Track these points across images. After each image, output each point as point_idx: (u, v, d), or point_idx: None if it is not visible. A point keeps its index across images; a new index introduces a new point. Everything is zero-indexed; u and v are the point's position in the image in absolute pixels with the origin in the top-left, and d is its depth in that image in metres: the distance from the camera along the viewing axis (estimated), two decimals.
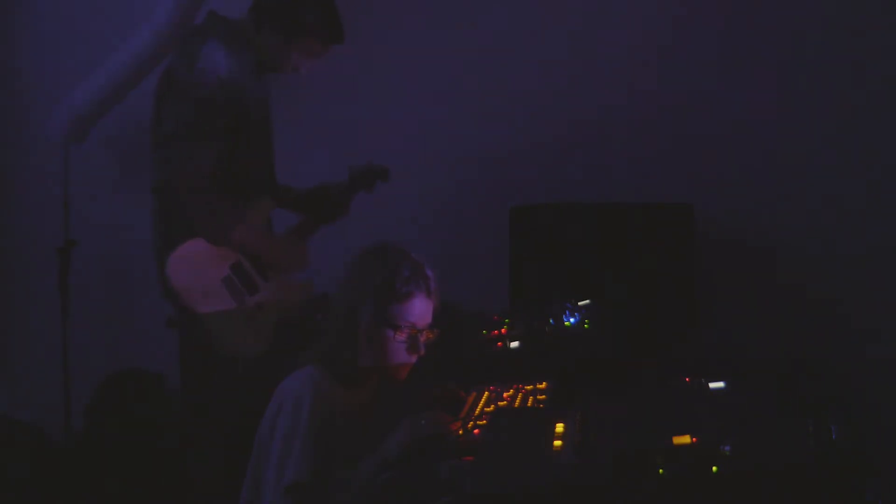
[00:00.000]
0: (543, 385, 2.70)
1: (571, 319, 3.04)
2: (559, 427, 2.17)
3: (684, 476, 1.89)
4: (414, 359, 2.61)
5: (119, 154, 4.55)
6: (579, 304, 3.09)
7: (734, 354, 3.30)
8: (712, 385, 2.36)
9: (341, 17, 3.37)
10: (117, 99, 4.19)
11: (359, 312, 2.57)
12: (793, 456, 1.93)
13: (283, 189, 3.56)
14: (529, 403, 2.59)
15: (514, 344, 3.01)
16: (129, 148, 4.42)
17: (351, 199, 3.60)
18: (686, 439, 1.97)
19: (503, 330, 3.09)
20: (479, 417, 2.47)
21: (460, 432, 2.41)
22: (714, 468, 1.89)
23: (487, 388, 2.71)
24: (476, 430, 2.39)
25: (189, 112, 3.15)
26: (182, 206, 3.17)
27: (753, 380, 2.46)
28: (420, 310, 2.59)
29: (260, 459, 2.53)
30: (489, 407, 2.58)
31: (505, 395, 2.65)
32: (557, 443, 2.10)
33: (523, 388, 2.68)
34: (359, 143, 4.36)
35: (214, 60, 3.20)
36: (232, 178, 3.24)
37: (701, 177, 4.11)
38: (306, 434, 2.43)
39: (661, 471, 1.89)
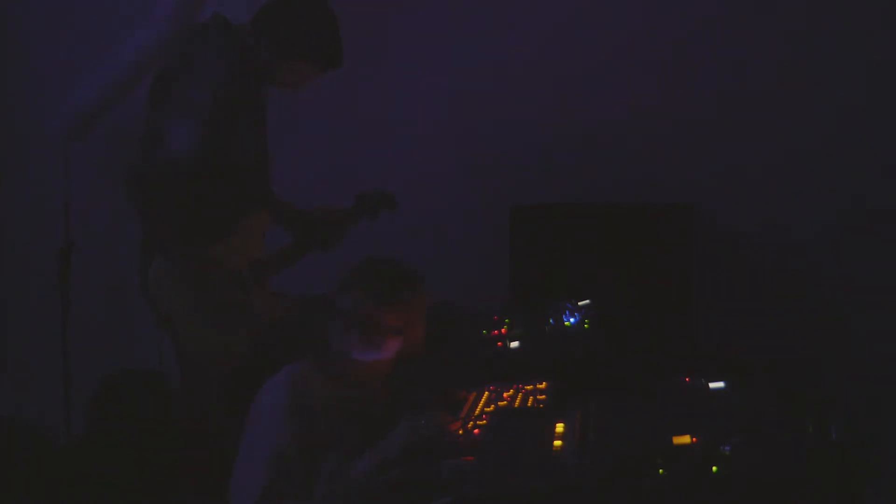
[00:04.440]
0: (543, 385, 2.70)
1: (571, 319, 3.04)
2: (559, 427, 2.17)
3: (684, 476, 1.89)
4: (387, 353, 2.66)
5: (119, 154, 4.54)
6: (579, 304, 3.09)
7: (734, 355, 3.30)
8: (712, 385, 2.36)
9: (341, 43, 3.32)
10: (118, 98, 4.19)
11: (338, 317, 2.63)
12: (793, 456, 1.93)
13: (283, 203, 3.52)
14: (529, 403, 2.59)
15: (514, 344, 3.01)
16: (129, 148, 4.42)
17: (351, 226, 3.58)
18: (686, 439, 1.97)
19: (503, 330, 3.08)
20: (479, 417, 2.47)
21: (460, 432, 2.41)
22: (714, 468, 1.89)
23: (487, 388, 2.71)
24: (476, 430, 2.40)
25: (183, 115, 3.14)
26: (170, 207, 3.16)
27: (753, 380, 2.46)
28: (395, 330, 2.63)
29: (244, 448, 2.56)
30: (489, 407, 2.58)
31: (505, 395, 2.65)
32: (557, 443, 2.10)
33: (523, 388, 2.68)
34: (359, 144, 4.37)
35: (210, 65, 3.19)
36: (225, 184, 3.23)
37: (701, 177, 4.11)
38: (287, 406, 2.47)
39: (661, 471, 1.89)
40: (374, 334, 2.61)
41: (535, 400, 2.60)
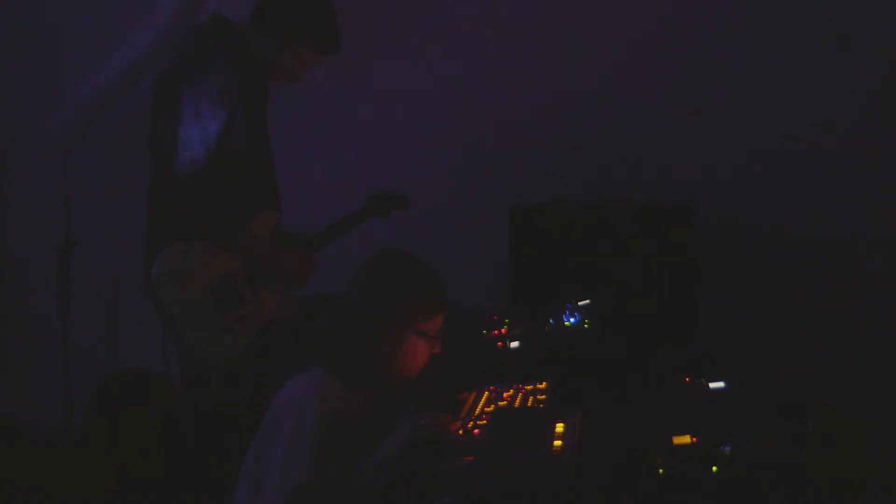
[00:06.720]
0: (543, 385, 2.70)
1: (571, 319, 3.03)
2: (559, 427, 2.17)
3: (684, 476, 1.89)
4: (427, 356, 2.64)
5: (119, 154, 4.55)
6: (579, 304, 3.08)
7: (734, 354, 3.30)
8: (712, 385, 2.36)
9: (339, 27, 3.37)
10: (117, 98, 4.19)
11: (380, 324, 2.57)
12: (793, 456, 1.93)
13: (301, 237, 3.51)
14: (529, 403, 2.59)
15: (514, 344, 3.01)
16: (129, 148, 4.43)
17: (360, 223, 3.59)
18: (686, 439, 1.97)
19: (503, 330, 3.08)
20: (479, 417, 2.47)
21: (460, 432, 2.41)
22: (714, 468, 1.89)
23: (487, 388, 2.71)
24: (476, 430, 2.39)
25: (195, 119, 3.15)
26: (182, 205, 3.17)
27: (753, 380, 2.46)
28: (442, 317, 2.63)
29: (261, 460, 2.52)
30: (489, 407, 2.58)
31: (505, 395, 2.65)
32: (557, 443, 2.10)
33: (523, 388, 2.68)
34: (359, 143, 4.37)
35: (215, 67, 3.20)
36: (232, 184, 3.24)
37: (702, 177, 4.11)
38: (314, 435, 2.40)
39: (661, 471, 1.89)
40: (431, 341, 2.59)
41: (535, 400, 2.60)
